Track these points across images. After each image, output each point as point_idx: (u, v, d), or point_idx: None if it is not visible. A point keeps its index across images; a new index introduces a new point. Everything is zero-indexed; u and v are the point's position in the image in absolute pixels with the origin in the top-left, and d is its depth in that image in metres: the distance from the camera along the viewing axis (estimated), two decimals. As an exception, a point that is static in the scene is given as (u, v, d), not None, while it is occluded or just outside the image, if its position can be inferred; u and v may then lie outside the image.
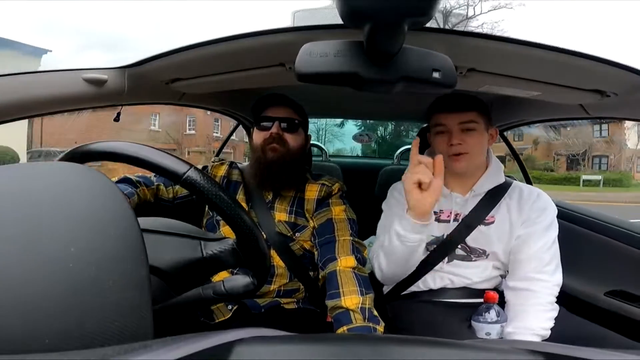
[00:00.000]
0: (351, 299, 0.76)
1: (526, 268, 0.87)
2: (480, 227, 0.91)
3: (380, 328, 0.74)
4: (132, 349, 0.20)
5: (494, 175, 0.93)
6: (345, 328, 0.72)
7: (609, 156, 14.00)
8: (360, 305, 0.75)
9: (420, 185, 0.75)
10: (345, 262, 0.82)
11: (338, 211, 0.92)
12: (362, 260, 0.85)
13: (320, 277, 0.87)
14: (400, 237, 0.81)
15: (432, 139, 0.94)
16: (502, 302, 0.82)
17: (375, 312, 0.77)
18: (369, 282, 0.82)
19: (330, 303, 0.78)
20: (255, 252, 0.45)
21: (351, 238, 0.87)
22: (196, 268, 0.45)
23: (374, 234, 1.01)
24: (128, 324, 0.23)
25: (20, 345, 0.20)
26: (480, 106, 0.89)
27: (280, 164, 0.89)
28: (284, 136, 0.91)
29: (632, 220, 0.97)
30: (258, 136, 0.93)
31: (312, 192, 0.94)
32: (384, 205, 1.01)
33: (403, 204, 0.95)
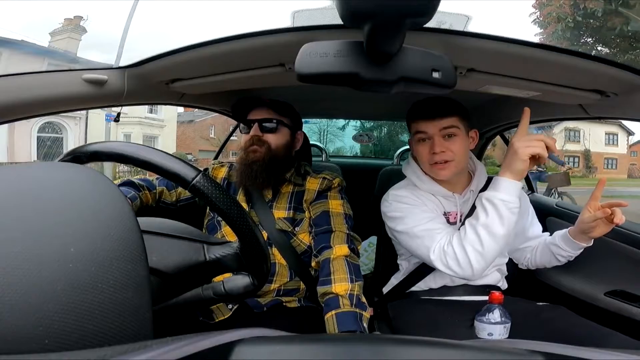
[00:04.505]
0: (341, 285, 0.80)
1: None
2: None
3: (367, 314, 0.78)
4: (132, 349, 0.20)
5: (483, 174, 0.96)
6: (333, 312, 0.76)
7: (540, 154, 20.90)
8: (349, 292, 0.79)
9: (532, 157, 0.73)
10: (339, 250, 0.85)
11: (335, 205, 0.93)
12: (355, 251, 0.88)
13: (313, 263, 0.90)
14: (507, 204, 0.76)
15: (414, 147, 0.91)
16: (505, 304, 0.82)
17: (364, 299, 0.80)
18: (360, 270, 0.86)
19: (321, 289, 0.81)
20: (258, 257, 0.46)
21: (347, 232, 0.90)
22: (198, 271, 0.44)
23: (374, 234, 1.01)
24: (128, 324, 0.23)
25: (20, 346, 0.20)
26: (460, 110, 0.88)
27: (260, 164, 0.90)
28: (263, 137, 0.92)
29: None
30: (243, 139, 0.95)
31: (314, 184, 0.96)
32: (394, 212, 0.92)
33: (419, 204, 0.91)
